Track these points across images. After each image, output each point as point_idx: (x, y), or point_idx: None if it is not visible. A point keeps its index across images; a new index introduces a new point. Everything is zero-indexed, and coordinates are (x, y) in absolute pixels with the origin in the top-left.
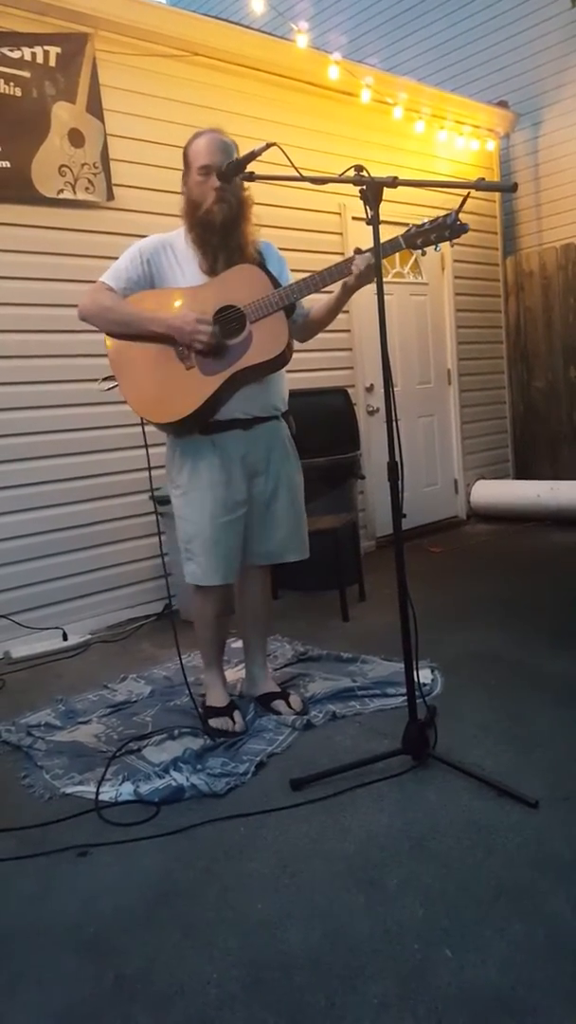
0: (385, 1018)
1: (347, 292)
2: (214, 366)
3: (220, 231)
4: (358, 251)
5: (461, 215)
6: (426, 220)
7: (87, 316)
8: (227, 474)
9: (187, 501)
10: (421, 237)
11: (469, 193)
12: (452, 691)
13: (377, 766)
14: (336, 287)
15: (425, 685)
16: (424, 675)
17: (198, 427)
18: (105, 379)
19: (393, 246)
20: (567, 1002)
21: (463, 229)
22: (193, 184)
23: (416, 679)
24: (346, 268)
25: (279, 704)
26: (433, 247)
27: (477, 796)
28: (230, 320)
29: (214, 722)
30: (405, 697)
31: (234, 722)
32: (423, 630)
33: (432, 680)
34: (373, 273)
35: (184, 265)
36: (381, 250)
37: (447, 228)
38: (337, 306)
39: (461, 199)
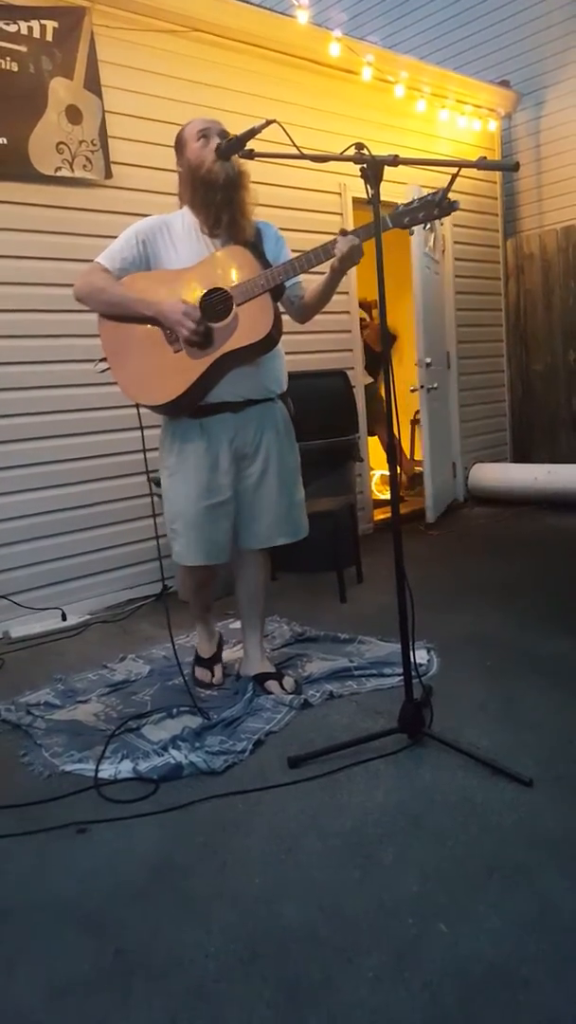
0: (380, 991)
1: (335, 275)
2: (201, 350)
3: (223, 189)
4: (343, 232)
5: (455, 194)
6: (413, 199)
7: (81, 297)
8: (212, 458)
9: (173, 483)
10: (408, 216)
11: (459, 171)
12: (448, 671)
13: (373, 744)
14: (326, 268)
15: (421, 665)
16: (420, 655)
17: (188, 410)
18: (101, 360)
19: (379, 225)
20: (558, 975)
21: (452, 207)
22: (191, 152)
23: (412, 659)
24: (329, 250)
25: (272, 684)
26: (422, 226)
27: (472, 774)
28: (217, 303)
29: (196, 672)
30: (401, 677)
31: (212, 675)
32: (420, 611)
33: (428, 660)
34: (357, 255)
35: (180, 247)
36: (365, 231)
37: (435, 206)
38: (327, 288)
39: (451, 179)
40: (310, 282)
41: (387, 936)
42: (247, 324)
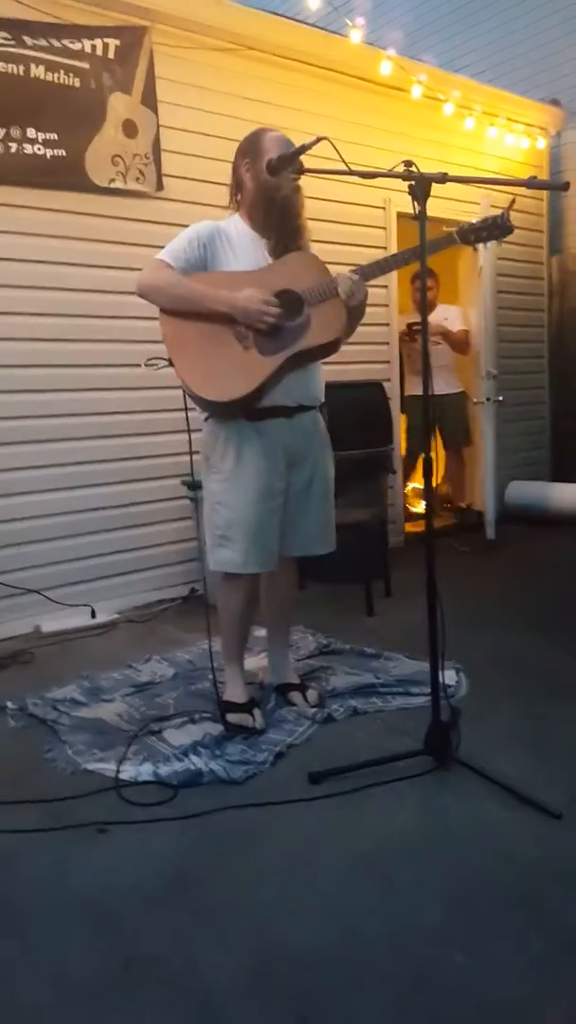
0: (393, 1021)
1: (351, 313)
2: (272, 347)
3: (287, 215)
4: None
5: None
6: (477, 219)
7: (147, 291)
8: (271, 462)
9: (230, 487)
10: (474, 234)
11: (514, 200)
12: (477, 694)
13: (397, 765)
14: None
15: (450, 686)
16: (449, 676)
17: (247, 410)
18: (149, 361)
19: (448, 241)
20: None
21: (510, 229)
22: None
23: (441, 679)
24: (335, 287)
25: (295, 696)
26: (483, 244)
27: (498, 803)
28: (287, 303)
29: (232, 717)
30: (428, 697)
31: (254, 719)
32: (449, 630)
33: (457, 682)
34: (358, 298)
35: (239, 252)
36: (435, 245)
37: (497, 228)
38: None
39: (511, 198)
40: None
41: (403, 963)
42: (320, 324)
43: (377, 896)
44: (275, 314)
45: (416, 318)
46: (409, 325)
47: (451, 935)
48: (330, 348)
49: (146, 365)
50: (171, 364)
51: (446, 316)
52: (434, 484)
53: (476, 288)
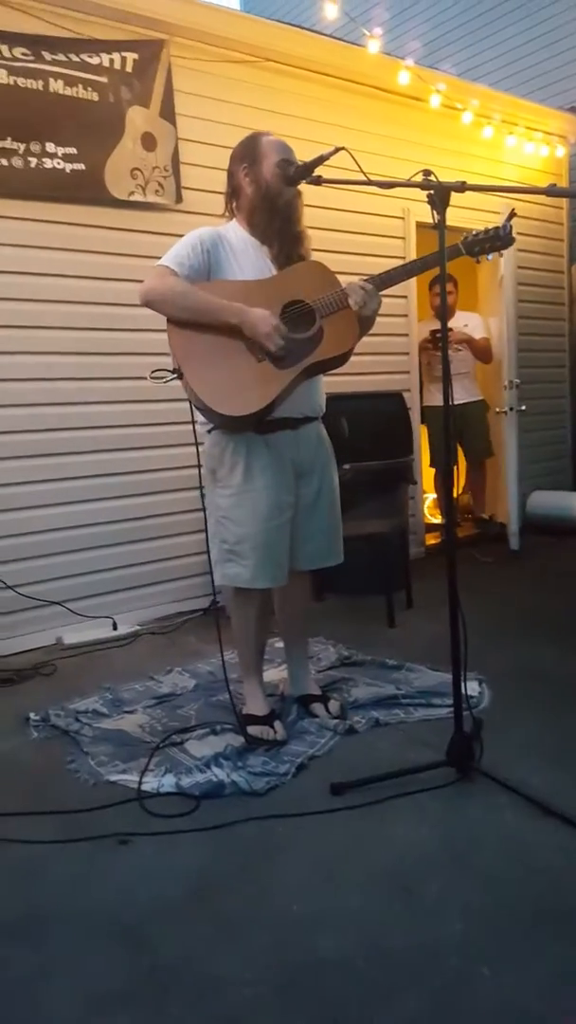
0: None
1: (362, 323)
2: (286, 360)
3: (290, 221)
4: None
5: (520, 223)
6: (479, 230)
7: (153, 299)
8: (280, 475)
9: (238, 502)
10: (478, 245)
11: (514, 211)
12: (499, 705)
13: (420, 776)
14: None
15: (472, 697)
16: (471, 687)
17: (256, 424)
18: (154, 373)
19: (453, 252)
20: None
21: (511, 241)
22: (270, 175)
23: (463, 690)
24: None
25: (317, 707)
26: (486, 256)
27: (522, 814)
28: (299, 314)
29: (253, 730)
30: (451, 708)
31: (275, 731)
32: (471, 641)
33: (479, 693)
34: (372, 308)
35: (241, 259)
36: (387, 277)
37: (499, 239)
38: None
39: (511, 210)
40: None
41: (427, 975)
42: (332, 336)
43: (401, 908)
44: (280, 345)
45: (438, 325)
46: (433, 332)
47: (476, 948)
48: (342, 360)
49: (151, 377)
50: (179, 376)
51: (466, 323)
52: (455, 494)
53: (497, 297)
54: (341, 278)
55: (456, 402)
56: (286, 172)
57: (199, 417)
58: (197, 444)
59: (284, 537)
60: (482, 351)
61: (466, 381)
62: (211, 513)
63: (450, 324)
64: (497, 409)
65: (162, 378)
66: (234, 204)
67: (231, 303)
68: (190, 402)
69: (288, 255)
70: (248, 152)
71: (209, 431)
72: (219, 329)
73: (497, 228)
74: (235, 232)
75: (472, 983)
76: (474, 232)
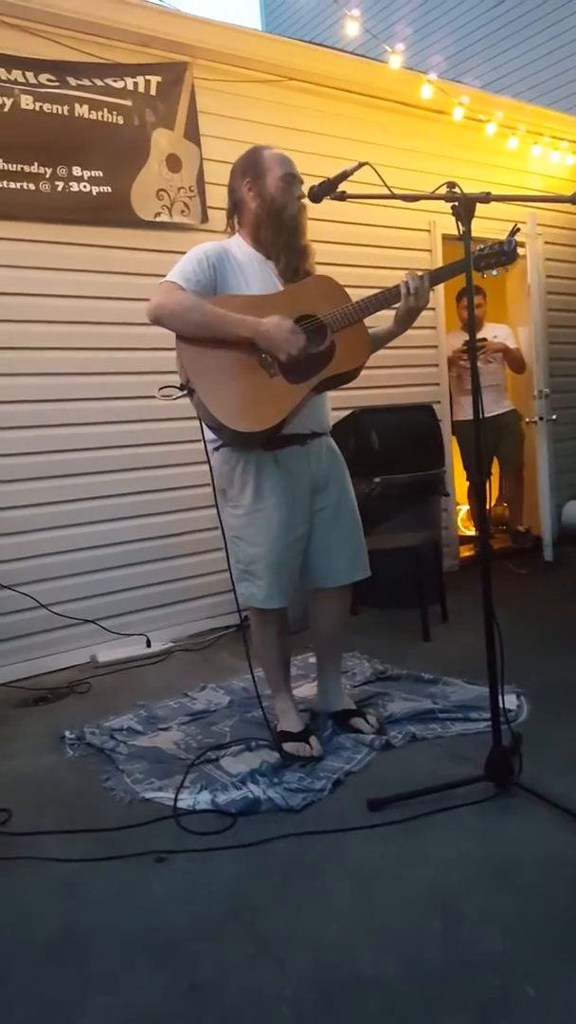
0: None
1: (407, 316)
2: (298, 374)
3: (296, 235)
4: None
5: (549, 229)
6: (483, 245)
7: (162, 316)
8: (292, 493)
9: (250, 522)
10: (483, 260)
11: (516, 227)
12: (538, 719)
13: (458, 791)
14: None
15: (510, 711)
16: (509, 700)
17: (267, 441)
18: (163, 390)
19: (458, 268)
20: None
21: (514, 257)
22: (276, 190)
23: (501, 704)
24: (397, 291)
25: (358, 722)
26: (491, 272)
27: (563, 829)
28: (310, 329)
29: (289, 746)
30: (489, 722)
31: (311, 747)
32: (509, 654)
33: (518, 706)
34: (425, 298)
35: (247, 273)
36: (451, 270)
37: (503, 255)
38: (396, 329)
39: (514, 226)
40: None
41: (470, 995)
42: (345, 350)
43: (441, 926)
44: (300, 346)
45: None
46: (466, 343)
47: (518, 966)
48: (353, 375)
49: (160, 395)
50: (189, 393)
51: (495, 335)
52: (488, 506)
53: (525, 306)
54: (367, 292)
55: (489, 414)
56: (291, 186)
57: (209, 435)
58: (209, 461)
59: (296, 554)
60: (517, 360)
61: (496, 393)
62: (226, 532)
63: (480, 335)
64: (528, 419)
65: (170, 395)
66: (236, 219)
67: (242, 316)
68: (200, 418)
69: (295, 269)
70: (250, 166)
71: (216, 449)
72: (230, 344)
73: (501, 243)
74: (239, 247)
75: (516, 1003)
76: (479, 248)
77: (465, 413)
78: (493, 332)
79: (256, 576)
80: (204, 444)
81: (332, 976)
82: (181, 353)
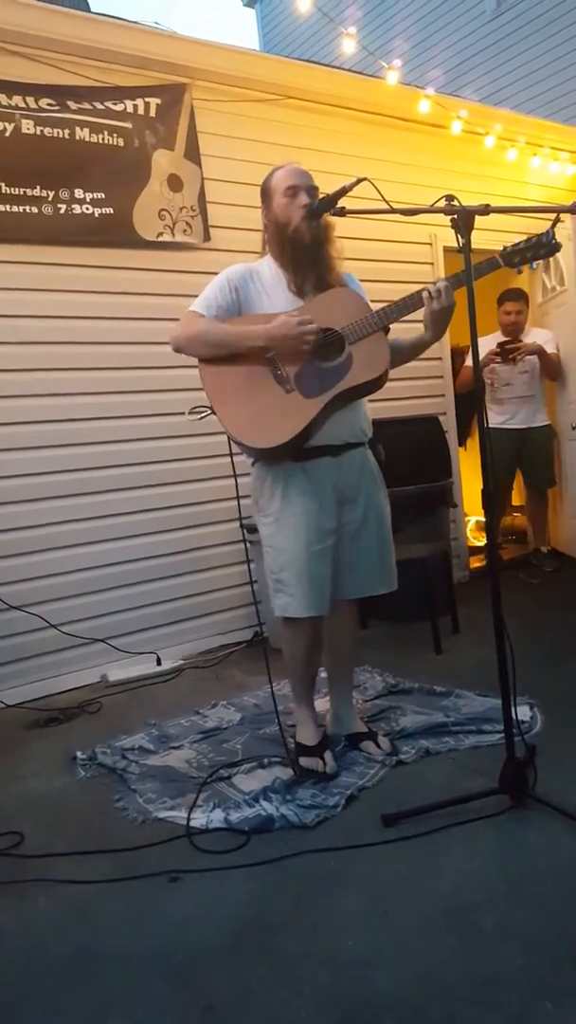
0: None
1: (435, 320)
2: (315, 388)
3: (310, 249)
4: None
5: (558, 237)
6: (519, 240)
7: (182, 346)
8: (319, 501)
9: (278, 529)
10: (518, 255)
11: (558, 218)
12: (552, 730)
13: (472, 805)
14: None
15: (524, 723)
16: (523, 712)
17: (293, 453)
18: (193, 410)
19: (491, 264)
20: None
21: (557, 247)
22: (278, 207)
23: (514, 715)
24: (423, 296)
25: (368, 745)
26: (529, 265)
27: None
28: (327, 342)
29: (304, 761)
30: (502, 734)
31: (324, 763)
32: (521, 665)
33: (531, 718)
34: (449, 299)
35: (272, 293)
36: (478, 269)
37: (542, 247)
38: (427, 337)
39: (554, 220)
40: (404, 332)
41: (488, 1011)
42: (363, 361)
43: (457, 941)
44: (314, 331)
45: (503, 338)
46: (501, 344)
47: (536, 982)
48: (375, 384)
49: (189, 415)
50: (213, 412)
51: (534, 340)
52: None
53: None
54: (371, 306)
55: (517, 427)
56: (293, 199)
57: (237, 449)
58: (236, 476)
59: (325, 563)
60: (552, 366)
61: (532, 404)
62: (263, 544)
63: (524, 340)
64: (573, 425)
65: (198, 414)
66: (266, 239)
67: (251, 327)
68: (227, 435)
69: (314, 283)
70: (264, 190)
71: (253, 463)
72: (247, 362)
73: (539, 236)
74: (269, 266)
75: (535, 1018)
76: (514, 243)
77: (493, 422)
78: (535, 337)
79: (287, 584)
80: (231, 459)
81: (349, 994)
82: (203, 376)
